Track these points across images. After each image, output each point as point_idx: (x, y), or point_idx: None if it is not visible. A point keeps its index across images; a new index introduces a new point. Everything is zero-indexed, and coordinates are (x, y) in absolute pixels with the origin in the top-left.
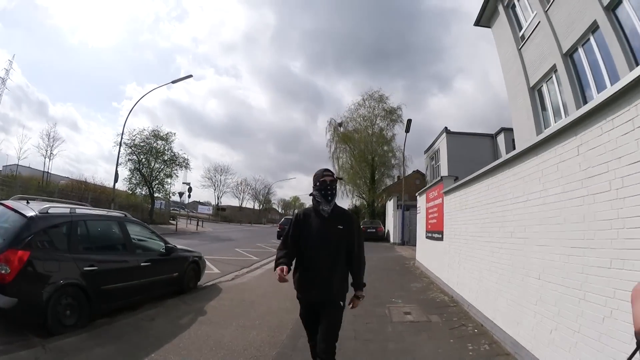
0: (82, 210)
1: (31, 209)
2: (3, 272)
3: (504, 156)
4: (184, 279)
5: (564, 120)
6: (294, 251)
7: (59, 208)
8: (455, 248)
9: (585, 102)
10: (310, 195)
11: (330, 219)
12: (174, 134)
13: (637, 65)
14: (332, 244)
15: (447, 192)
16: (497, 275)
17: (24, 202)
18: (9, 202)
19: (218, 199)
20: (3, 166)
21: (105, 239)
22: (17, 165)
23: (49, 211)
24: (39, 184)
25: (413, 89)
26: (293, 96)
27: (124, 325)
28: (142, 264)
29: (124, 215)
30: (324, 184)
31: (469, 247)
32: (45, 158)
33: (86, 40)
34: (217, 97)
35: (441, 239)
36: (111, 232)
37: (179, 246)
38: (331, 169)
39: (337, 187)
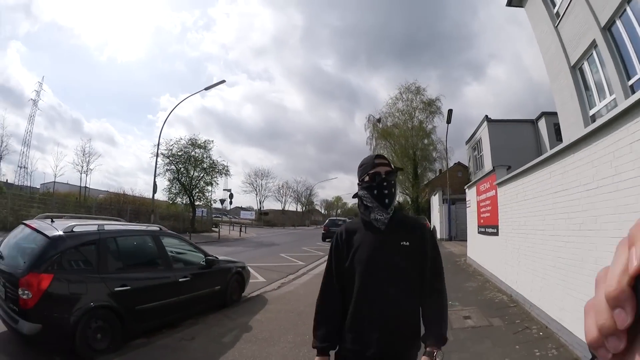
0: (112, 226)
1: (55, 228)
2: (25, 297)
3: (567, 140)
4: (227, 292)
5: (636, 95)
6: (342, 300)
7: (86, 225)
8: (513, 243)
9: (629, 78)
10: (355, 197)
11: (390, 233)
12: (212, 141)
13: None
14: (394, 270)
15: (501, 184)
16: (563, 272)
17: (49, 220)
18: (32, 222)
19: (260, 203)
20: (40, 184)
21: (139, 255)
22: (54, 182)
23: (74, 229)
24: (77, 200)
25: (447, 78)
26: (328, 95)
27: (161, 347)
28: (180, 280)
29: (158, 228)
30: (378, 178)
31: (529, 242)
32: (81, 174)
33: (115, 57)
34: (251, 102)
35: (496, 233)
36: (145, 247)
37: (221, 257)
38: None
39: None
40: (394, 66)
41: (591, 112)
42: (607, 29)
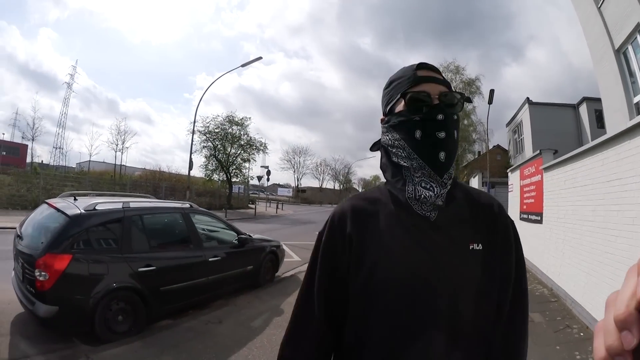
0: (139, 203)
1: (76, 207)
2: (41, 278)
3: (623, 125)
4: (260, 272)
5: None
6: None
7: (110, 203)
8: (558, 234)
9: None
10: (375, 149)
11: (448, 225)
12: (249, 118)
13: None
14: (464, 307)
15: (547, 168)
16: (611, 269)
17: (71, 199)
18: (54, 201)
19: (298, 180)
20: (76, 164)
21: (166, 234)
22: (89, 161)
23: (97, 208)
24: (112, 177)
25: (486, 59)
26: (366, 73)
27: (186, 329)
28: (210, 259)
29: (189, 205)
30: (424, 106)
31: (575, 234)
32: (116, 152)
33: (148, 39)
34: (289, 80)
35: (540, 221)
36: (173, 225)
37: (255, 235)
38: None
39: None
40: (432, 45)
41: (635, 100)
42: None
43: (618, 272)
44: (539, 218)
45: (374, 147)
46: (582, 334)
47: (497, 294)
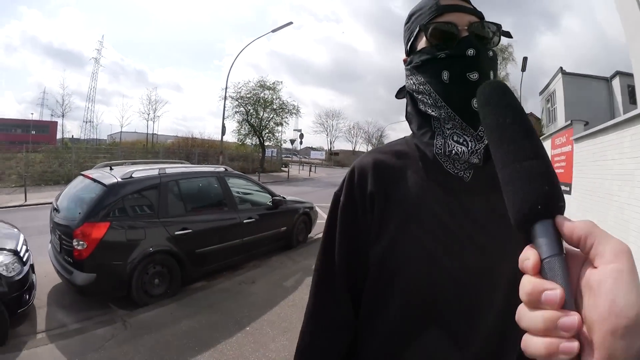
0: (174, 169)
1: (113, 176)
2: (79, 247)
3: None
4: (293, 233)
5: None
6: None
7: (146, 171)
8: (586, 207)
9: None
10: (401, 97)
11: (486, 188)
12: (281, 82)
13: None
14: (507, 283)
15: (578, 140)
16: (635, 247)
17: (107, 169)
18: (90, 172)
19: (331, 143)
20: (107, 136)
21: (202, 197)
22: (121, 132)
23: (133, 175)
24: (144, 147)
25: (520, 25)
26: (397, 36)
27: (221, 290)
28: (245, 221)
29: (224, 169)
30: (454, 41)
31: (602, 207)
32: (147, 121)
33: (173, 9)
34: (320, 43)
35: (568, 192)
36: (209, 189)
37: (288, 197)
38: None
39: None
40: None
41: None
42: None
43: None
44: (567, 189)
45: (400, 95)
46: None
47: None
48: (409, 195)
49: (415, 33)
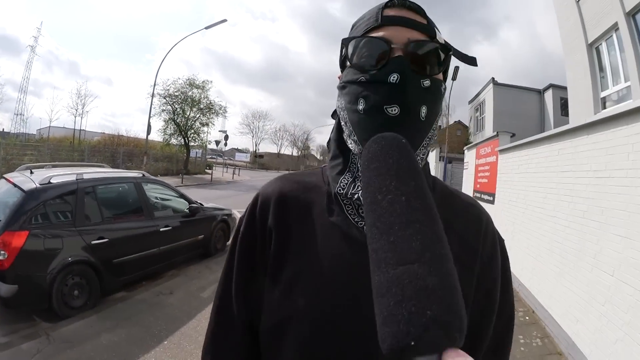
0: (92, 174)
1: (32, 181)
2: (1, 257)
3: (583, 120)
4: (211, 241)
5: None
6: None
7: (64, 176)
8: (509, 216)
9: None
10: (334, 117)
11: None
12: (211, 81)
13: None
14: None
15: (503, 151)
16: (558, 258)
17: (28, 172)
18: (11, 176)
19: (256, 146)
20: (36, 130)
21: (119, 205)
22: (49, 127)
23: (51, 181)
24: (71, 144)
25: (458, 34)
26: (333, 39)
27: (139, 301)
28: (161, 229)
29: (141, 175)
30: (384, 62)
31: (526, 218)
32: (75, 117)
33: None
34: (254, 41)
35: (492, 202)
36: (126, 196)
37: (206, 204)
38: None
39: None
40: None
41: (602, 95)
42: (632, 15)
43: (565, 262)
44: (491, 198)
45: (334, 116)
46: (527, 317)
47: (475, 330)
48: (310, 238)
49: (348, 47)
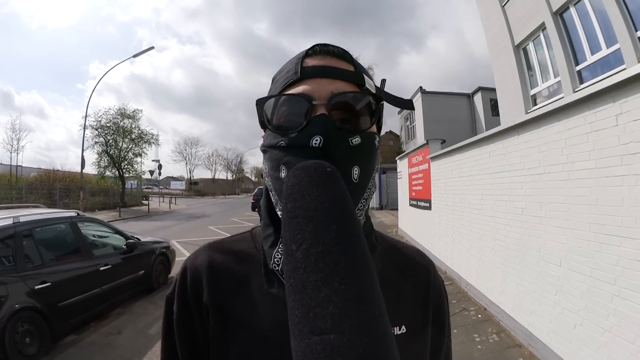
0: (28, 216)
1: None
2: None
3: (513, 120)
4: (152, 276)
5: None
6: None
7: (1, 220)
8: (448, 220)
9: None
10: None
11: None
12: (141, 110)
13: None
14: None
15: (434, 158)
16: (503, 255)
17: None
18: None
19: (190, 172)
20: None
21: (57, 246)
22: None
23: None
24: (8, 181)
25: (384, 46)
26: (260, 60)
27: (89, 344)
28: (101, 269)
29: (75, 214)
30: (295, 115)
31: (465, 221)
32: (11, 152)
33: (45, 23)
34: (181, 67)
35: (429, 208)
36: (63, 236)
37: (143, 237)
38: None
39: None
40: (331, 32)
41: (532, 92)
42: (559, 14)
43: (510, 258)
44: (428, 205)
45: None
46: (480, 315)
47: None
48: (253, 314)
49: (264, 108)
